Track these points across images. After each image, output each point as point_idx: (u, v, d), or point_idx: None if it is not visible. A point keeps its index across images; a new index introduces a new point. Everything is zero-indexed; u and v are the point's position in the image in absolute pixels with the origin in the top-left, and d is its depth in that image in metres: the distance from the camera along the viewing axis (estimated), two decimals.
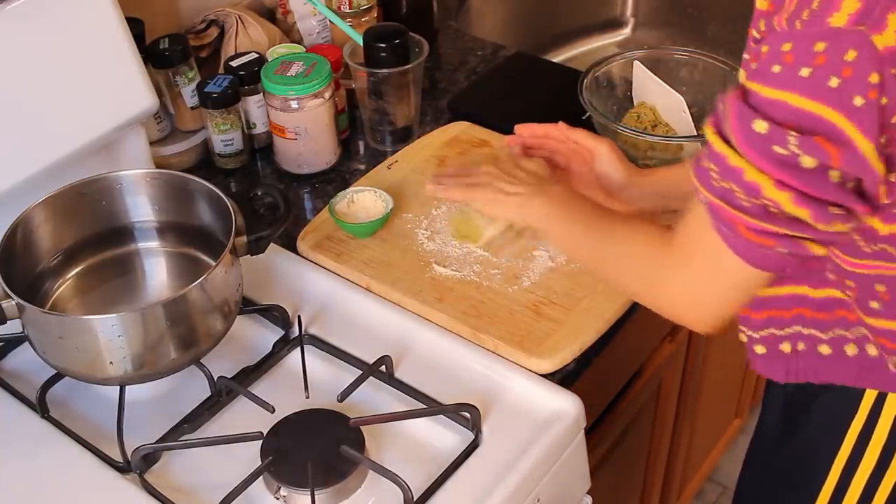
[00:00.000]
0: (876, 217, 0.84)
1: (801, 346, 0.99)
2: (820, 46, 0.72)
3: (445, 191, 1.14)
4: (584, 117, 1.37)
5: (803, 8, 0.74)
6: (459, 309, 1.14)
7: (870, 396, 0.98)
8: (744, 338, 1.02)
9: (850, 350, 0.96)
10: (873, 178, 0.77)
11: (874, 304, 0.91)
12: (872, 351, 0.95)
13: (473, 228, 1.21)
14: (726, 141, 0.79)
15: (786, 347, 1.00)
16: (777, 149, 0.75)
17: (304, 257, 1.23)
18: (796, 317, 0.97)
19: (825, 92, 0.72)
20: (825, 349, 0.98)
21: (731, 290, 0.89)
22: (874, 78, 0.71)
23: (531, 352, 1.08)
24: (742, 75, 0.84)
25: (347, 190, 1.28)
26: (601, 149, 1.18)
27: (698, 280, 0.90)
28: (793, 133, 0.74)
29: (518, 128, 1.23)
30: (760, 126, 0.75)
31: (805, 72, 0.73)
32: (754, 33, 0.85)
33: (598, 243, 1.03)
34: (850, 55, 0.71)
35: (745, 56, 0.86)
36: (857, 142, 0.74)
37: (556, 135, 1.21)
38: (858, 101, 0.72)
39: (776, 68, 0.75)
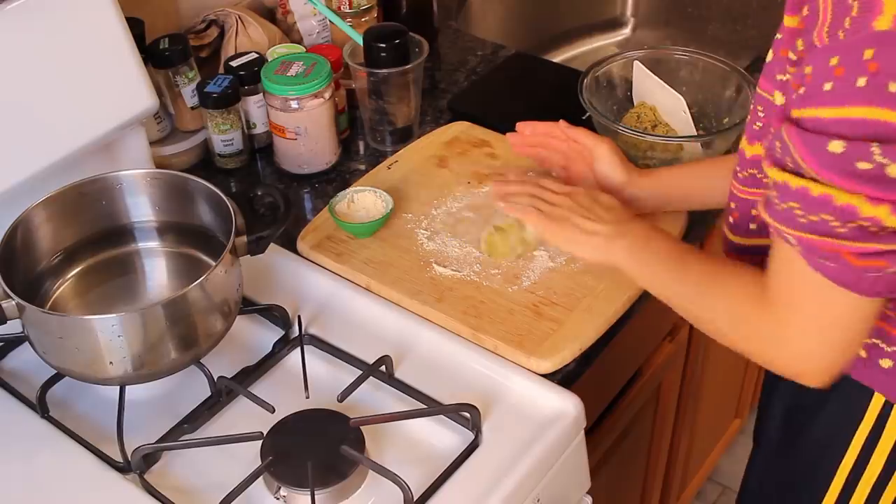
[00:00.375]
0: None
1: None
2: (869, 53, 0.70)
3: (518, 210, 1.11)
4: (584, 117, 1.37)
5: (843, 16, 0.73)
6: (459, 309, 1.14)
7: (876, 404, 0.98)
8: (864, 353, 0.97)
9: (885, 363, 0.95)
10: None
11: None
12: None
13: (507, 247, 1.20)
14: (797, 174, 0.76)
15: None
16: (861, 165, 0.72)
17: (304, 257, 1.23)
18: None
19: (887, 97, 0.70)
20: (862, 353, 0.95)
21: (848, 329, 0.85)
22: None
23: (531, 352, 1.08)
24: (779, 97, 0.81)
25: (347, 190, 1.28)
26: (601, 148, 1.18)
27: (811, 330, 0.86)
28: (875, 144, 0.71)
29: (519, 126, 1.23)
30: (836, 146, 0.72)
31: (861, 82, 0.71)
32: (790, 55, 0.83)
33: (687, 289, 0.99)
34: None
35: (781, 77, 0.83)
36: None
37: (556, 133, 1.21)
38: None
39: (828, 86, 0.72)
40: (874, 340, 0.95)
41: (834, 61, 0.72)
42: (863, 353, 0.96)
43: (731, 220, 1.05)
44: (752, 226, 1.03)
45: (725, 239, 1.09)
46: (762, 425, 1.17)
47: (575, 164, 1.20)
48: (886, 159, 0.71)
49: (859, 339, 0.87)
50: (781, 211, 0.80)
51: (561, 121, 1.21)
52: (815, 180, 0.75)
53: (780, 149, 0.78)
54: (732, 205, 1.04)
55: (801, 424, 1.06)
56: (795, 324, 0.86)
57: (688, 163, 1.28)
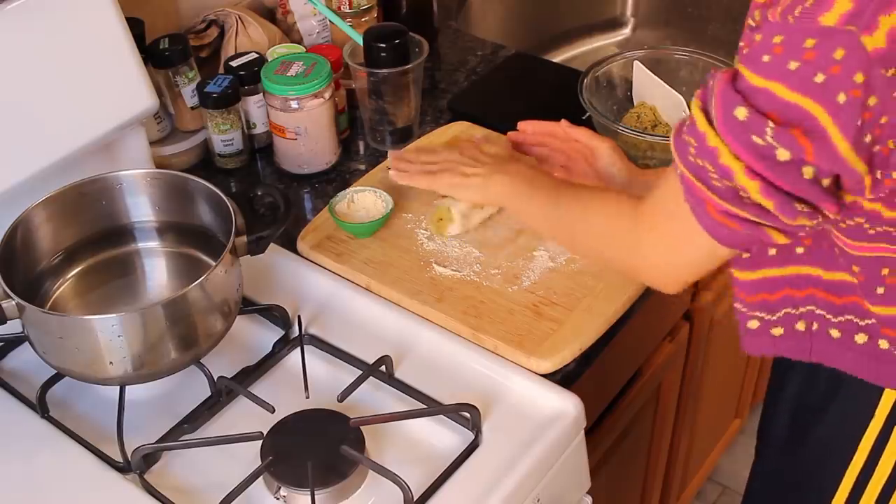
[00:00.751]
0: (877, 204, 0.84)
1: (815, 325, 0.99)
2: (810, 43, 0.74)
3: (407, 177, 1.18)
4: (584, 117, 1.37)
5: (797, 4, 0.75)
6: (459, 309, 1.14)
7: (887, 402, 0.98)
8: (756, 323, 1.02)
9: (860, 338, 0.96)
10: (852, 175, 0.78)
11: (880, 290, 0.91)
12: (884, 344, 0.95)
13: (445, 220, 1.23)
14: (709, 119, 0.80)
15: (801, 326, 1.00)
16: (755, 138, 0.77)
17: (304, 257, 1.23)
18: (809, 296, 0.98)
19: (810, 86, 0.74)
20: (835, 333, 0.98)
21: (698, 258, 0.91)
22: (859, 77, 0.73)
23: (531, 352, 1.08)
24: (736, 60, 0.85)
25: (347, 190, 1.28)
26: (602, 148, 1.18)
27: (668, 244, 0.92)
28: (770, 124, 0.75)
29: (521, 125, 1.23)
30: (741, 113, 0.77)
31: (793, 65, 0.74)
32: (750, 21, 0.87)
33: (567, 215, 1.05)
34: (839, 54, 0.73)
35: (741, 43, 0.87)
36: (833, 137, 0.75)
37: (558, 133, 1.21)
38: (842, 97, 0.73)
39: (766, 58, 0.76)
40: (847, 317, 0.96)
41: (777, 39, 0.76)
42: (836, 334, 0.97)
43: None
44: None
45: None
46: (767, 424, 1.17)
47: (576, 163, 1.20)
48: (776, 142, 0.76)
49: (708, 267, 0.93)
50: (682, 141, 0.84)
51: (562, 120, 1.21)
52: (715, 131, 0.79)
53: (709, 87, 0.82)
54: None
55: (808, 423, 1.06)
56: (653, 232, 0.93)
57: None
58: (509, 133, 1.25)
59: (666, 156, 1.32)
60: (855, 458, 1.01)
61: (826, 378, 1.02)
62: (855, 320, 0.96)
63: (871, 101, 0.73)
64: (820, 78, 0.73)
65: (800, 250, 0.95)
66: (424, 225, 1.26)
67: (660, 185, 0.92)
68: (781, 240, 0.84)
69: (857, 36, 0.72)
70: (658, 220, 0.93)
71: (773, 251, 0.97)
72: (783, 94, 0.75)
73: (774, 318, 1.01)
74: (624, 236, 0.97)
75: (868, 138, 0.76)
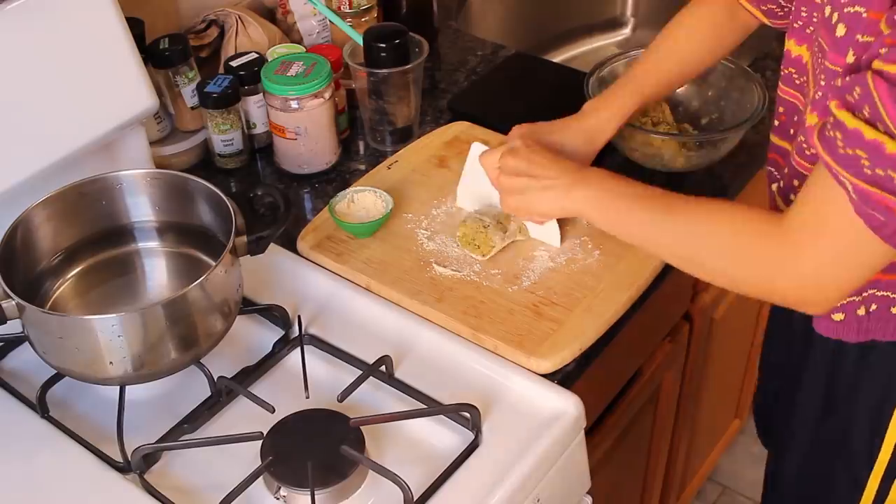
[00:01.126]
0: None
1: (873, 307, 0.99)
2: None
3: (506, 208, 1.14)
4: None
5: None
6: (459, 309, 1.14)
7: None
8: (875, 306, 1.01)
9: None
10: None
11: None
12: None
13: (485, 240, 1.20)
14: (872, 125, 0.77)
15: (861, 311, 1.00)
16: None
17: (304, 257, 1.24)
18: (873, 281, 0.97)
19: None
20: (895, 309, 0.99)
21: (863, 269, 0.87)
22: None
23: (531, 352, 1.08)
24: (850, 57, 0.83)
25: (347, 190, 1.28)
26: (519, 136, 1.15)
27: (827, 260, 0.87)
28: None
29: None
30: None
31: None
32: (883, 27, 0.83)
33: (682, 228, 0.98)
34: None
35: (861, 39, 0.84)
36: None
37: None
38: None
39: None
40: (885, 293, 0.97)
41: None
42: (873, 307, 0.99)
43: (776, 123, 1.09)
44: (791, 130, 1.06)
45: (769, 144, 1.12)
46: (786, 417, 1.19)
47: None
48: None
49: (866, 279, 0.89)
50: (844, 154, 0.80)
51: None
52: (890, 136, 0.76)
53: (858, 95, 0.78)
54: (781, 108, 1.08)
55: (838, 398, 1.08)
56: (813, 250, 0.87)
57: (633, 68, 1.26)
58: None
59: (677, 154, 1.31)
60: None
61: (855, 352, 1.03)
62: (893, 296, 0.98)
63: None
64: None
65: None
66: (425, 225, 1.26)
67: (807, 200, 0.88)
68: None
69: None
70: (816, 237, 0.87)
71: None
72: None
73: (838, 304, 1.01)
74: (767, 257, 0.91)
75: None
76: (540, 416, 1.04)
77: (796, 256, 0.89)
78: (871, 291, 0.99)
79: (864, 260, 0.86)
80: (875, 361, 1.04)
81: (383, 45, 1.36)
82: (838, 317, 1.03)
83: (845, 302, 1.01)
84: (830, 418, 1.11)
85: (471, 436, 1.01)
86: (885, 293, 0.99)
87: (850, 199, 0.82)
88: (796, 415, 1.18)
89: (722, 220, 0.95)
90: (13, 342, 1.11)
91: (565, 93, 1.39)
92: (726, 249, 0.95)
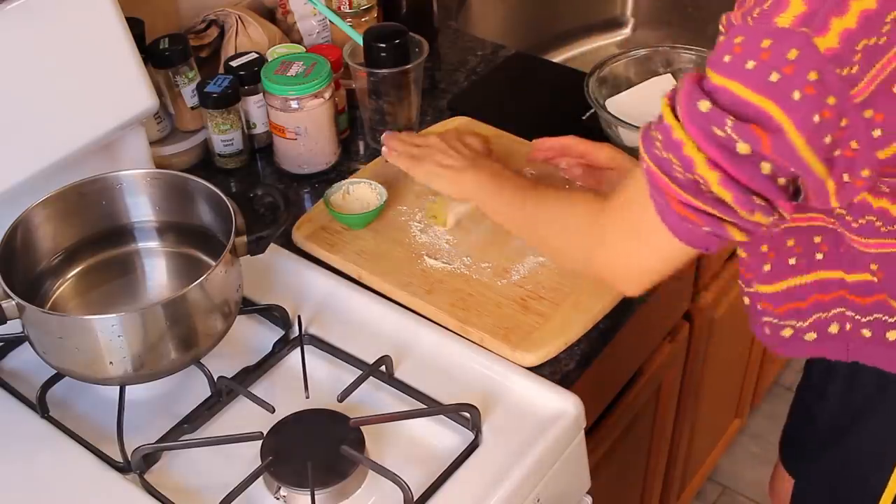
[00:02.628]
0: (884, 200, 0.86)
1: (848, 326, 0.99)
2: (766, 43, 0.76)
3: (394, 157, 1.21)
4: (584, 117, 1.37)
5: (756, 6, 0.78)
6: (448, 301, 1.14)
7: None
8: (789, 332, 1.03)
9: (892, 335, 0.97)
10: (811, 176, 0.79)
11: None
12: None
13: (441, 210, 1.24)
14: (675, 114, 0.82)
15: (834, 329, 1.00)
16: (716, 130, 0.78)
17: (298, 247, 1.24)
18: (837, 299, 0.98)
19: (766, 85, 0.76)
20: (867, 332, 0.98)
21: (657, 260, 0.93)
22: (812, 76, 0.75)
23: (516, 345, 1.09)
24: None
25: (343, 181, 1.29)
26: (626, 165, 1.17)
27: (630, 238, 0.93)
28: (730, 117, 0.77)
29: (535, 143, 1.24)
30: (704, 105, 0.79)
31: (750, 64, 0.76)
32: (720, 28, 0.88)
33: (535, 214, 1.06)
34: (792, 54, 0.75)
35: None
36: (789, 133, 0.76)
37: (572, 149, 1.21)
38: (797, 94, 0.75)
39: (727, 58, 0.78)
40: (875, 316, 0.96)
41: (738, 40, 0.78)
42: (867, 333, 0.98)
43: None
44: None
45: None
46: (801, 436, 1.18)
47: (587, 180, 1.21)
48: (736, 135, 0.77)
49: (663, 273, 0.94)
50: (649, 136, 0.85)
51: (570, 137, 1.21)
52: (681, 125, 0.81)
53: (678, 88, 0.84)
54: None
55: (851, 426, 1.06)
56: (618, 229, 0.94)
57: None
58: (527, 156, 1.25)
59: None
60: None
61: (873, 378, 1.02)
62: (884, 318, 0.97)
63: (830, 100, 0.75)
64: (774, 77, 0.75)
65: (819, 256, 0.96)
66: (419, 217, 1.26)
67: (626, 182, 0.94)
68: (740, 237, 0.85)
69: (810, 37, 0.74)
70: (622, 214, 0.94)
71: (792, 260, 0.98)
72: (741, 93, 0.77)
73: (806, 324, 1.01)
74: (587, 231, 0.98)
75: (828, 139, 0.77)
76: (540, 416, 1.04)
77: (605, 231, 0.95)
78: (839, 309, 0.99)
79: (659, 248, 0.90)
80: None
81: (383, 45, 1.36)
82: (810, 336, 1.02)
83: (812, 320, 1.01)
84: (840, 447, 1.10)
85: (471, 436, 1.01)
86: (851, 314, 0.98)
87: (646, 183, 0.87)
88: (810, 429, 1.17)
89: (566, 203, 1.03)
90: (13, 342, 1.11)
91: (565, 93, 1.40)
92: (559, 227, 1.03)
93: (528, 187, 1.09)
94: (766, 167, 0.79)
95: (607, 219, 0.95)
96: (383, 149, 1.22)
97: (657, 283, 0.96)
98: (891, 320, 0.96)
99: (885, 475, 1.03)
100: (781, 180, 0.80)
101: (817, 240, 0.94)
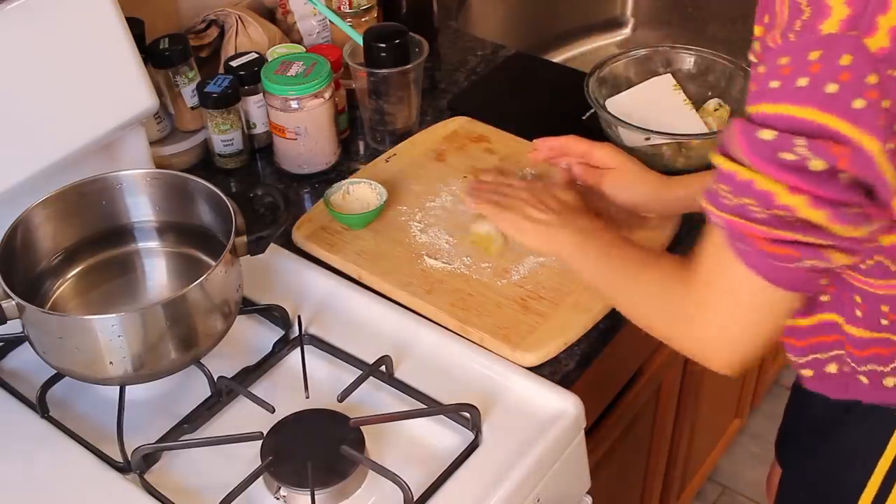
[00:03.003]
0: (894, 235, 0.83)
1: (846, 368, 0.97)
2: (814, 55, 0.72)
3: (478, 204, 1.16)
4: (584, 117, 1.37)
5: (795, 19, 0.74)
6: (448, 301, 1.14)
7: None
8: (789, 360, 1.01)
9: (889, 382, 0.95)
10: (884, 184, 0.75)
11: None
12: None
13: (488, 239, 1.21)
14: (733, 159, 0.78)
15: (832, 369, 0.98)
16: (784, 155, 0.74)
17: (298, 247, 1.24)
18: (836, 342, 0.96)
19: (824, 99, 0.72)
20: (864, 379, 0.97)
21: (757, 316, 0.85)
22: (872, 79, 0.71)
23: (516, 345, 1.09)
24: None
25: (343, 181, 1.29)
26: (628, 165, 1.17)
27: (720, 310, 0.86)
28: (800, 137, 0.73)
29: (536, 143, 1.23)
30: (766, 134, 0.75)
31: (802, 81, 0.73)
32: (752, 57, 0.85)
33: (622, 281, 1.01)
34: (846, 59, 0.71)
35: (751, 86, 0.85)
36: (863, 143, 0.73)
37: (573, 150, 1.21)
38: (859, 103, 0.72)
39: (774, 83, 0.75)
40: (870, 366, 0.95)
41: (783, 61, 0.74)
42: (864, 380, 0.97)
43: None
44: None
45: None
46: (787, 439, 1.18)
47: (589, 177, 1.20)
48: (809, 153, 0.73)
49: (770, 330, 0.87)
50: (713, 192, 0.82)
51: (570, 136, 1.21)
52: (744, 165, 0.77)
53: (726, 137, 0.80)
54: None
55: (828, 433, 1.05)
56: (709, 304, 0.87)
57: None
58: (529, 155, 1.25)
59: (677, 154, 1.31)
60: (870, 483, 1.00)
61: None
62: (879, 369, 0.95)
63: (886, 103, 0.72)
64: (832, 88, 0.72)
65: (825, 298, 0.94)
66: (419, 217, 1.26)
67: (702, 254, 0.88)
68: (843, 259, 0.79)
69: (860, 39, 0.71)
70: (707, 283, 0.87)
71: None
72: (799, 114, 0.73)
73: (802, 361, 1.00)
74: (676, 311, 0.91)
75: (892, 145, 0.74)
76: (540, 416, 1.04)
77: (697, 312, 0.88)
78: (838, 351, 0.97)
79: (754, 301, 0.84)
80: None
81: (383, 45, 1.36)
82: (806, 373, 1.01)
83: (809, 359, 0.99)
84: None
85: (471, 436, 1.01)
86: (848, 360, 0.96)
87: (726, 237, 0.82)
88: (793, 433, 1.17)
89: (652, 270, 0.96)
90: (13, 342, 1.11)
91: (565, 93, 1.40)
92: (647, 300, 0.97)
93: (620, 249, 1.03)
94: (844, 178, 0.74)
95: (692, 288, 0.88)
96: (466, 197, 1.17)
97: (761, 351, 0.89)
98: (886, 369, 0.94)
99: (867, 472, 1.03)
100: (861, 189, 0.76)
101: (824, 282, 0.87)
